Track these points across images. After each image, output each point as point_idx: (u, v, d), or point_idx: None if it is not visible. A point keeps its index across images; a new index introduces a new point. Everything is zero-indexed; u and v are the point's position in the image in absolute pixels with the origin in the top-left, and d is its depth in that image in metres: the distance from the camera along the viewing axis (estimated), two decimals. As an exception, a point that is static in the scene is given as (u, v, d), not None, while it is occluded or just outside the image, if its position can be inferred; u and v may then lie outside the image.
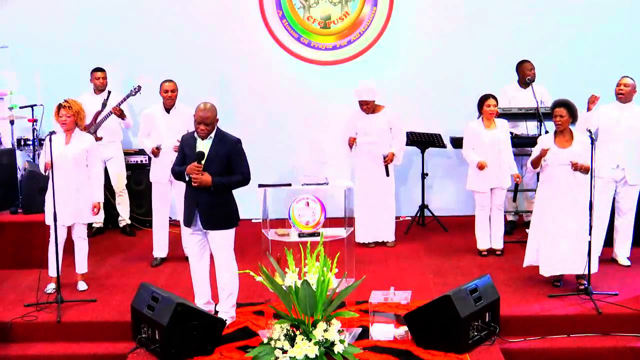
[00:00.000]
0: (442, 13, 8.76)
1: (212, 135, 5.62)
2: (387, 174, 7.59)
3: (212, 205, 5.61)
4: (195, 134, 5.63)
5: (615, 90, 6.78)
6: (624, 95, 6.74)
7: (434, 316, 5.32)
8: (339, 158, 8.63)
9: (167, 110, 7.12)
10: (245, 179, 5.64)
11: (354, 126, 7.55)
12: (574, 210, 6.15)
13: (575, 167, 6.08)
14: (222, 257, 5.74)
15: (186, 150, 5.67)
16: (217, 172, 5.56)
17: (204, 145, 5.60)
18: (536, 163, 6.29)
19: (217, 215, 5.64)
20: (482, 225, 7.33)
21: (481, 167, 7.11)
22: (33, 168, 7.48)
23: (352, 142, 7.49)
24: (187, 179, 5.58)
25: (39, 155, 7.53)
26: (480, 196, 7.27)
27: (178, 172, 5.70)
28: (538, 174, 7.61)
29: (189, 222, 5.71)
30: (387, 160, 7.50)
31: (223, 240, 5.69)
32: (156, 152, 7.06)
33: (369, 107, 7.43)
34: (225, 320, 5.64)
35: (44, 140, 6.75)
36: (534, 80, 7.85)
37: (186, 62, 8.75)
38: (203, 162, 5.52)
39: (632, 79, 6.78)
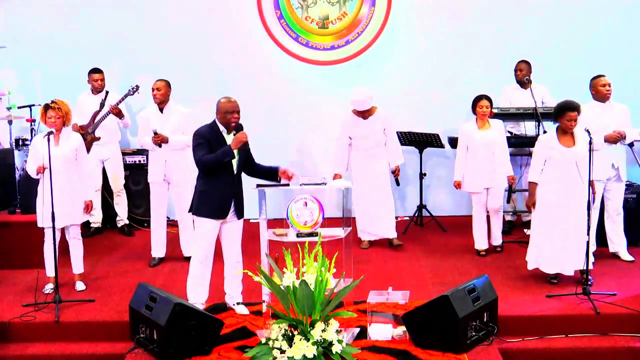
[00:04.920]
0: (440, 13, 8.76)
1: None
2: (398, 184, 7.92)
3: (241, 195, 5.95)
4: (221, 126, 5.77)
5: (600, 91, 6.79)
6: (610, 95, 6.80)
7: (432, 316, 5.32)
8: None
9: (161, 109, 7.13)
10: None
11: (349, 131, 7.54)
12: (578, 208, 6.17)
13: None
14: (238, 245, 6.01)
15: (213, 144, 5.72)
16: (243, 165, 5.90)
17: (231, 138, 5.78)
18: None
19: (243, 203, 5.98)
20: (479, 225, 7.34)
21: (456, 186, 7.30)
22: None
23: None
24: (234, 155, 5.71)
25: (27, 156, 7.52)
26: (476, 196, 7.28)
27: (216, 158, 5.67)
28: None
29: (222, 214, 5.82)
30: (396, 174, 7.65)
31: (242, 227, 6.03)
32: (156, 139, 7.00)
33: (364, 115, 7.44)
34: (240, 303, 6.00)
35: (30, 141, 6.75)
36: (529, 81, 7.82)
37: (184, 62, 8.76)
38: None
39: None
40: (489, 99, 7.18)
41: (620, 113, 6.88)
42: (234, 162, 5.78)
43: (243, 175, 5.97)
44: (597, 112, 6.76)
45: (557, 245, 6.29)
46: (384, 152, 7.56)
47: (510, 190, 7.60)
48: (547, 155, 6.31)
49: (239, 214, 5.92)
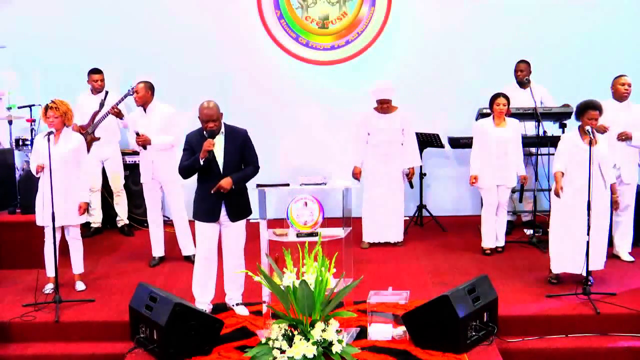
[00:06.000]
0: (440, 13, 8.76)
1: (222, 130, 5.76)
2: (412, 187, 7.96)
3: (236, 197, 5.81)
4: (205, 132, 5.72)
5: (619, 90, 6.80)
6: (629, 95, 6.80)
7: (432, 316, 5.32)
8: (337, 158, 8.67)
9: (145, 110, 7.14)
10: (256, 169, 5.91)
11: (367, 126, 7.56)
12: (600, 208, 6.15)
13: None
14: (238, 247, 5.92)
15: (195, 149, 5.71)
16: (235, 164, 5.76)
17: (221, 140, 5.73)
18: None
19: (240, 205, 5.86)
20: (488, 224, 7.33)
21: (473, 179, 7.20)
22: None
23: (357, 174, 7.56)
24: (201, 163, 5.64)
25: (28, 156, 7.53)
26: (487, 193, 7.27)
27: (188, 165, 5.72)
28: (537, 173, 7.68)
29: (213, 217, 5.78)
30: (410, 176, 7.68)
31: (241, 229, 5.91)
32: (139, 142, 7.02)
33: (388, 106, 7.47)
34: (239, 304, 5.95)
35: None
36: (529, 81, 7.81)
37: (184, 62, 8.76)
38: (214, 139, 5.70)
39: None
40: (506, 97, 7.19)
41: (637, 114, 6.85)
42: (220, 164, 5.72)
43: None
44: (610, 111, 6.76)
45: (581, 246, 6.19)
46: (399, 154, 7.57)
47: (522, 190, 7.59)
48: (570, 154, 6.26)
49: (233, 216, 5.81)
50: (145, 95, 7.07)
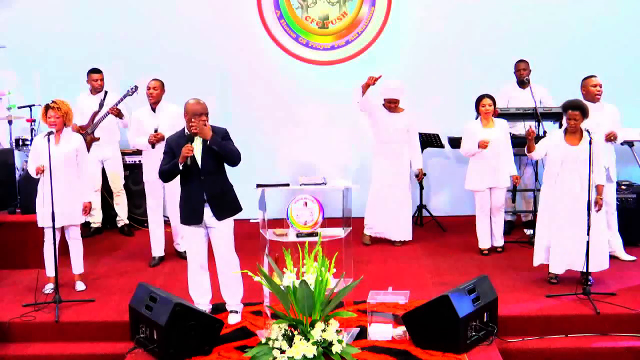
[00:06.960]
0: (440, 13, 8.76)
1: None
2: (422, 187, 8.20)
3: (220, 195, 5.73)
4: (187, 131, 5.66)
5: (590, 91, 6.81)
6: (600, 96, 6.82)
7: (432, 316, 5.32)
8: (337, 158, 8.67)
9: (153, 109, 7.13)
10: (239, 155, 5.71)
11: (373, 113, 7.58)
12: (582, 208, 6.16)
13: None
14: (227, 249, 5.79)
15: (176, 152, 5.65)
16: (214, 164, 5.67)
17: (199, 142, 5.66)
18: (530, 148, 6.50)
19: (224, 204, 5.76)
20: (482, 225, 7.35)
21: (483, 145, 7.07)
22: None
23: (372, 81, 7.33)
24: (180, 168, 5.59)
25: (27, 156, 7.53)
26: (480, 195, 7.28)
27: (168, 169, 5.68)
28: (537, 173, 7.68)
29: (197, 218, 5.70)
30: (420, 177, 7.77)
31: (229, 228, 5.79)
32: (154, 139, 7.00)
33: (395, 106, 7.50)
34: (236, 311, 5.84)
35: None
36: (528, 81, 7.80)
37: (183, 62, 8.76)
38: (194, 144, 5.61)
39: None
40: (492, 98, 7.19)
41: (611, 114, 6.89)
42: (199, 164, 5.65)
43: (238, 172, 5.92)
44: None
45: (569, 245, 6.22)
46: (406, 152, 7.61)
47: (515, 190, 7.59)
48: (550, 150, 6.33)
49: (218, 215, 5.71)
50: (160, 93, 7.11)
